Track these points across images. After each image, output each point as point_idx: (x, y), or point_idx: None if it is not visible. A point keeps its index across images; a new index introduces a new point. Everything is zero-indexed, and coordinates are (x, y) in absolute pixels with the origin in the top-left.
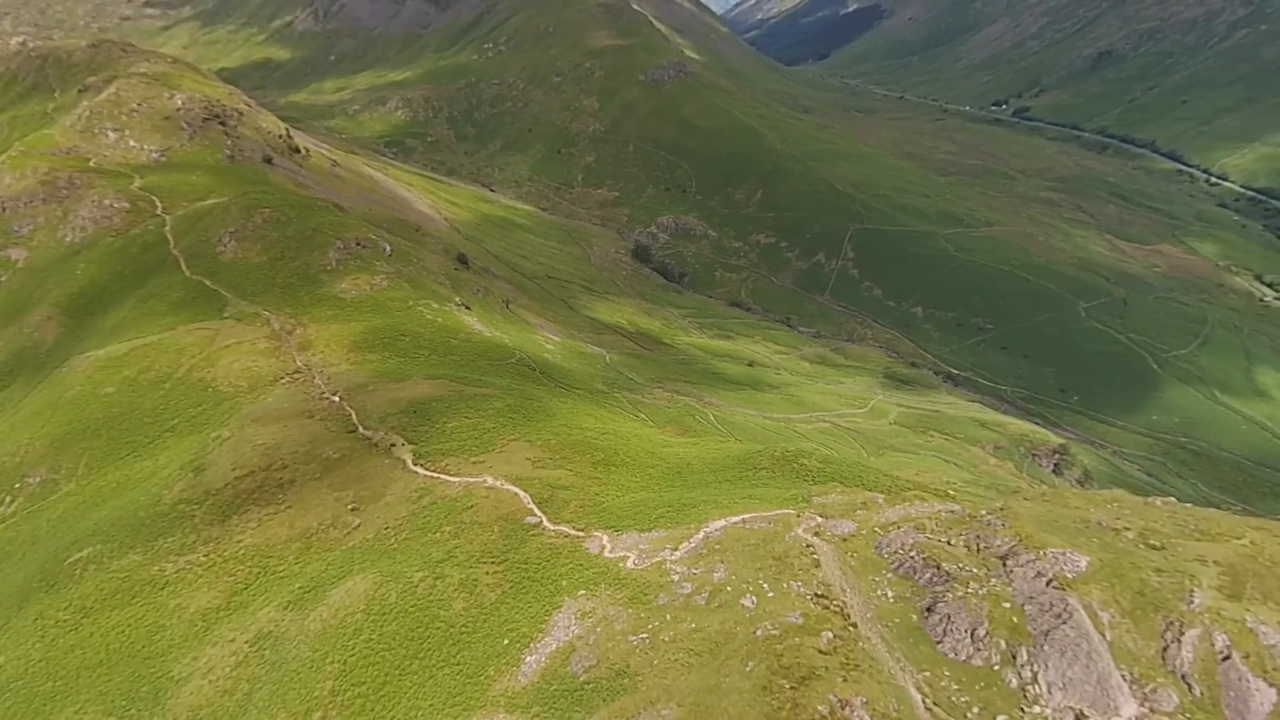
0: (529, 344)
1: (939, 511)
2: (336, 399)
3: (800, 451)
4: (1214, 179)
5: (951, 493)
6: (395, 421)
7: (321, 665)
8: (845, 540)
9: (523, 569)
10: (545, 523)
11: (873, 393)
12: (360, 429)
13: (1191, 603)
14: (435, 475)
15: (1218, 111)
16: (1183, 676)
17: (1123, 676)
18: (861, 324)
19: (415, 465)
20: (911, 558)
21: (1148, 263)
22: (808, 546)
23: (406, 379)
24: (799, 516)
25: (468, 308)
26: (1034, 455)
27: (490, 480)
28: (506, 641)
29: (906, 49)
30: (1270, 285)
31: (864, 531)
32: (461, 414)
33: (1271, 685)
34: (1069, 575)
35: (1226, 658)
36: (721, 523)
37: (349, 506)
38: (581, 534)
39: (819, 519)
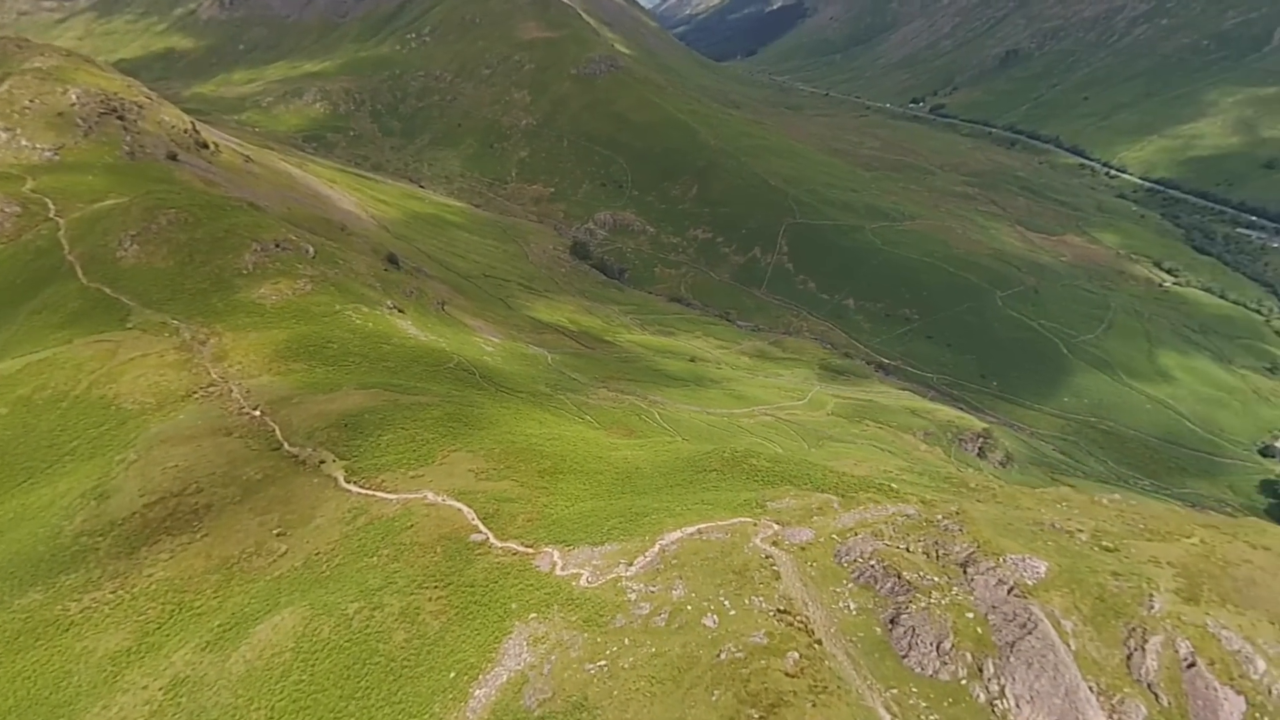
0: (467, 347)
1: (894, 515)
2: (257, 414)
3: (749, 451)
4: (1114, 171)
5: (895, 486)
6: (324, 436)
7: (246, 712)
8: (804, 549)
9: (469, 593)
10: (492, 540)
11: (810, 384)
12: (285, 446)
13: (1152, 608)
14: (370, 493)
15: (1117, 107)
16: (1149, 686)
17: (1090, 688)
18: (797, 317)
19: (348, 483)
20: (872, 566)
21: (1055, 252)
22: (767, 558)
23: (335, 390)
24: (756, 525)
25: (400, 311)
26: (960, 440)
27: (431, 496)
28: (453, 674)
29: (829, 47)
30: (1168, 271)
31: (822, 539)
32: (397, 425)
33: (1239, 693)
34: (1029, 582)
35: (1191, 665)
36: (677, 534)
37: (274, 532)
38: (531, 550)
39: (776, 526)
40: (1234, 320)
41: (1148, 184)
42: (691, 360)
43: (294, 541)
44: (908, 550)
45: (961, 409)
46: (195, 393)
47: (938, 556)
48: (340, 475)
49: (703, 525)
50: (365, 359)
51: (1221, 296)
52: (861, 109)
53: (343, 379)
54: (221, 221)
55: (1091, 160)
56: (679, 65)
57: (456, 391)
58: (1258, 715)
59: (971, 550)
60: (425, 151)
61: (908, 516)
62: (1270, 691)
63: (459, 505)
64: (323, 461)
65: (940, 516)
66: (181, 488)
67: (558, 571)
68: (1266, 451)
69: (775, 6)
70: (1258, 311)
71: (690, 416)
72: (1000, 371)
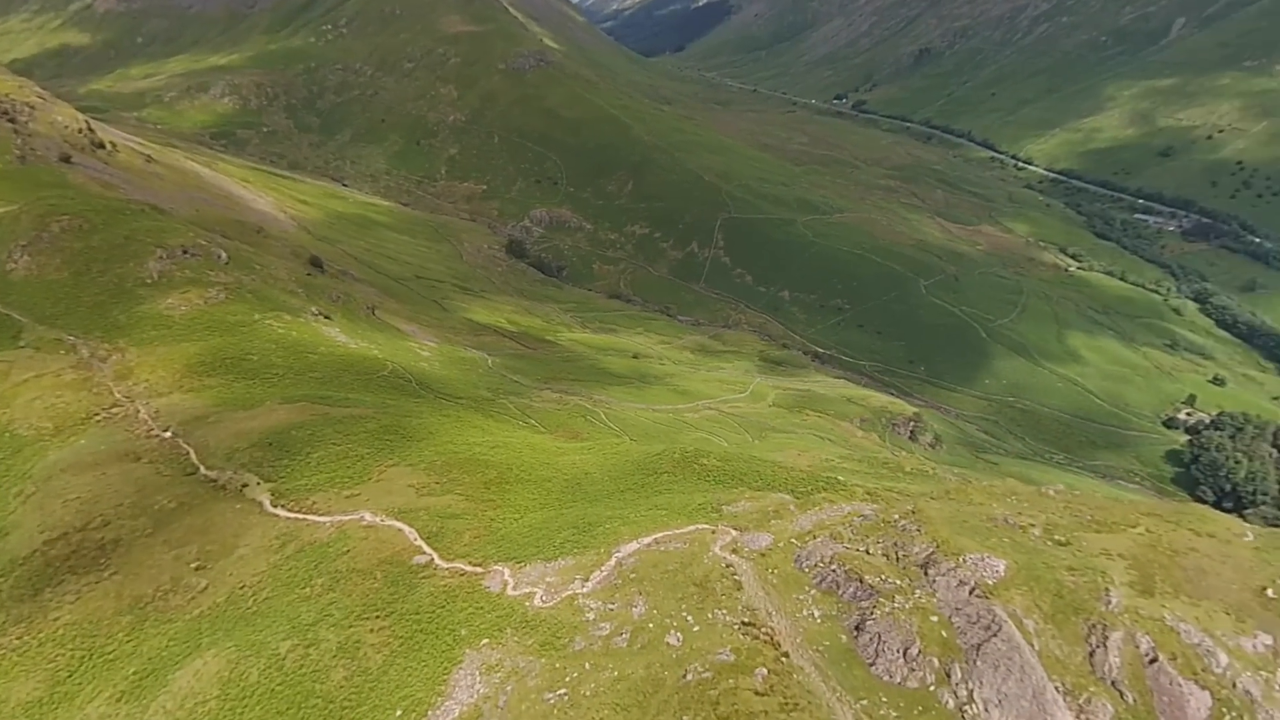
0: (401, 353)
1: (850, 515)
2: (168, 435)
3: (699, 451)
4: (1021, 164)
5: (841, 478)
6: (246, 457)
7: None
8: (764, 555)
9: (414, 621)
10: (437, 560)
11: (751, 376)
12: (202, 470)
13: (1109, 602)
14: (300, 517)
15: (1022, 102)
16: (1113, 683)
17: (1057, 688)
18: (736, 310)
19: (275, 507)
20: (833, 571)
21: (971, 242)
22: (728, 567)
23: (257, 405)
24: (714, 532)
25: (327, 317)
26: (893, 425)
27: (368, 516)
28: (399, 713)
29: (755, 44)
30: (1073, 257)
31: (781, 544)
32: (328, 441)
33: (1204, 688)
34: (990, 581)
35: (1153, 660)
36: (634, 545)
37: (191, 566)
38: (480, 570)
39: (734, 533)
40: (1134, 301)
41: (1052, 175)
42: (634, 357)
43: (215, 575)
44: (868, 553)
45: (893, 394)
46: (97, 415)
47: (898, 558)
48: (266, 499)
49: (659, 534)
50: (289, 371)
51: (1122, 279)
52: (788, 105)
53: (265, 393)
54: (121, 227)
55: (1001, 153)
56: (609, 61)
57: (392, 401)
58: (1224, 710)
59: (931, 550)
60: (347, 148)
61: (865, 517)
62: (1235, 685)
63: (399, 525)
64: (245, 485)
65: (897, 516)
66: (85, 521)
67: (509, 591)
68: (1169, 423)
69: (701, 3)
70: (1156, 292)
71: (636, 415)
72: (926, 356)
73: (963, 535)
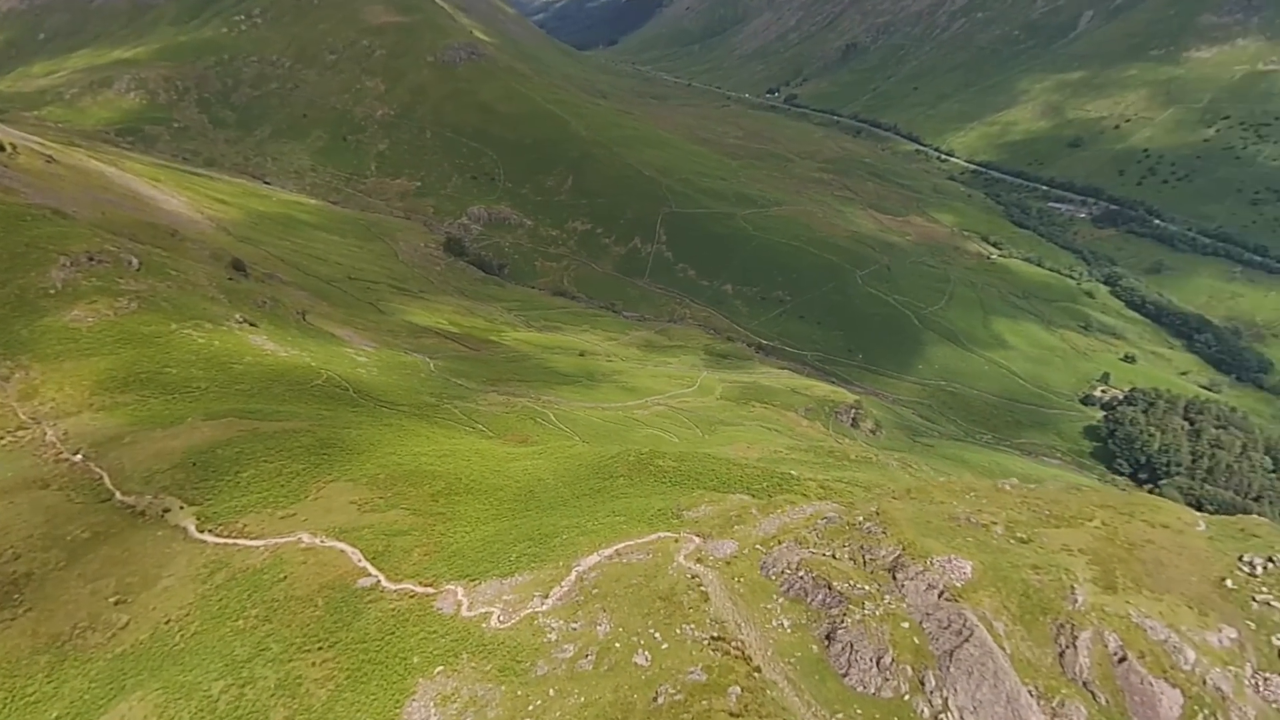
0: (336, 360)
1: (814, 518)
2: (79, 459)
3: (654, 453)
4: (944, 156)
5: (794, 472)
6: (167, 479)
7: None
8: (729, 563)
9: (360, 650)
10: (384, 582)
11: (698, 371)
12: (118, 495)
13: (1076, 601)
14: (230, 542)
15: (942, 96)
16: (1085, 684)
17: (1030, 693)
18: (680, 304)
19: (201, 533)
20: (800, 578)
21: (901, 232)
22: (693, 577)
23: (178, 423)
24: (677, 540)
25: (253, 325)
26: (836, 413)
27: (306, 538)
28: None
29: (688, 37)
30: (994, 245)
31: (746, 550)
32: (259, 458)
33: (1174, 686)
34: (958, 584)
35: (1123, 659)
36: (594, 558)
37: (110, 600)
38: (431, 590)
39: (697, 540)
40: (1051, 286)
41: (973, 166)
42: (581, 355)
43: (137, 610)
44: (834, 557)
45: (834, 383)
46: (1, 439)
47: (865, 562)
48: (191, 524)
49: (620, 545)
50: (213, 384)
51: (1039, 265)
52: (723, 99)
53: (186, 409)
54: (20, 234)
55: (925, 146)
56: (542, 54)
57: (328, 412)
58: (1196, 708)
59: (898, 553)
60: (267, 144)
61: (828, 519)
62: (1205, 682)
63: (341, 546)
64: (167, 510)
65: (861, 518)
66: None
67: (464, 612)
68: (1087, 400)
69: None
70: (1070, 276)
71: (585, 414)
72: (864, 345)
73: (928, 536)
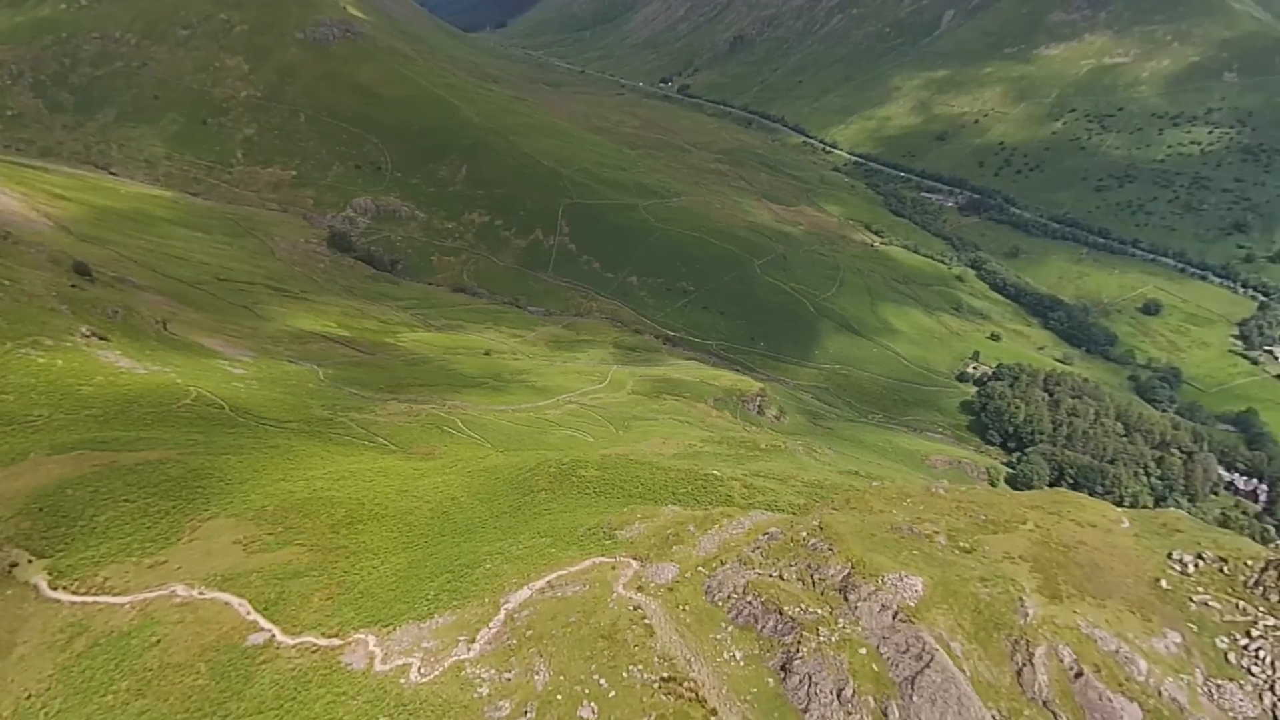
0: (207, 374)
1: (754, 533)
2: None
3: (575, 461)
4: (828, 148)
5: (716, 473)
6: (11, 529)
7: None
8: (672, 589)
9: None
10: (279, 637)
11: (608, 366)
12: None
13: (1026, 614)
14: (90, 600)
15: (823, 90)
16: (1045, 704)
17: (993, 717)
18: (586, 297)
19: (55, 590)
20: (749, 603)
21: (794, 222)
22: (635, 609)
23: (19, 460)
24: (614, 567)
25: (102, 338)
26: (743, 402)
27: (181, 590)
28: None
29: (579, 23)
30: (876, 233)
31: (688, 573)
32: (118, 497)
33: (1132, 699)
34: (911, 603)
35: (1079, 674)
36: (524, 592)
37: None
38: (337, 641)
39: (635, 564)
40: (926, 271)
41: (855, 158)
42: (486, 354)
43: None
44: (781, 578)
45: (739, 371)
46: None
47: (814, 582)
48: (42, 580)
49: (552, 575)
50: (58, 411)
51: (915, 251)
52: (617, 87)
53: (26, 444)
54: None
55: (811, 138)
56: (426, 34)
57: (200, 436)
58: None
59: (847, 571)
60: (111, 130)
61: (771, 536)
62: (1160, 694)
63: (225, 596)
64: (14, 565)
65: (805, 533)
66: None
67: (377, 666)
68: (961, 377)
69: None
70: (942, 262)
71: (496, 419)
72: (765, 333)
73: (875, 551)
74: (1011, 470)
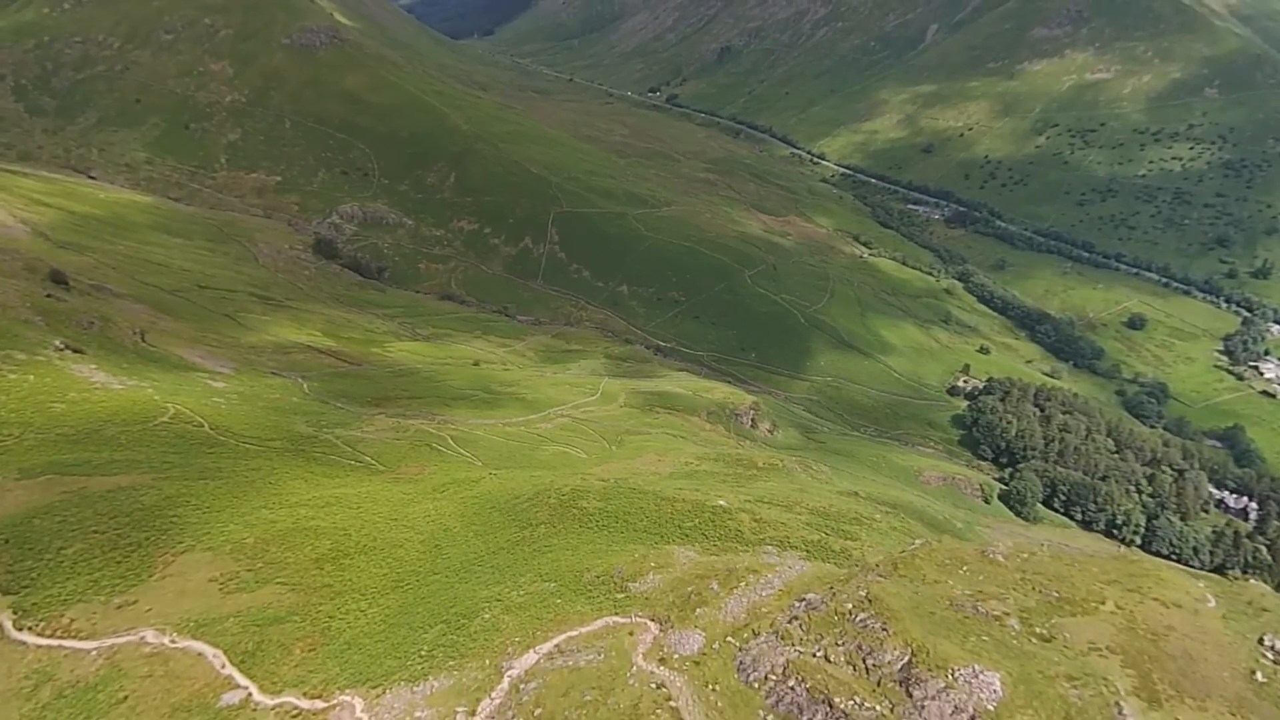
0: (186, 389)
1: (787, 598)
2: None
3: (575, 491)
4: (816, 159)
5: (721, 502)
6: None
7: None
8: (698, 663)
9: None
10: (256, 696)
11: (599, 377)
12: None
13: None
14: (56, 643)
15: (811, 101)
16: None
17: None
18: (576, 306)
19: (20, 630)
20: (791, 689)
21: (783, 233)
22: (659, 688)
23: None
24: (631, 631)
25: (78, 351)
26: (736, 415)
27: (152, 636)
28: None
29: (566, 32)
30: (865, 244)
31: (716, 644)
32: (88, 527)
33: None
34: (990, 706)
35: None
36: (530, 656)
37: None
38: (320, 704)
39: (654, 629)
40: (914, 283)
41: (842, 169)
42: (475, 365)
43: None
44: (827, 659)
45: (731, 383)
46: None
47: (867, 669)
48: (7, 620)
49: (560, 638)
50: (27, 431)
51: (904, 263)
52: (605, 96)
53: None
54: None
55: (799, 149)
56: (414, 41)
57: (177, 458)
58: None
59: (906, 658)
60: (92, 134)
61: (810, 604)
62: None
63: (198, 646)
64: None
65: (850, 606)
66: None
67: None
68: (952, 391)
69: None
70: (930, 274)
71: (486, 434)
72: (756, 344)
73: (937, 634)
74: (1005, 487)
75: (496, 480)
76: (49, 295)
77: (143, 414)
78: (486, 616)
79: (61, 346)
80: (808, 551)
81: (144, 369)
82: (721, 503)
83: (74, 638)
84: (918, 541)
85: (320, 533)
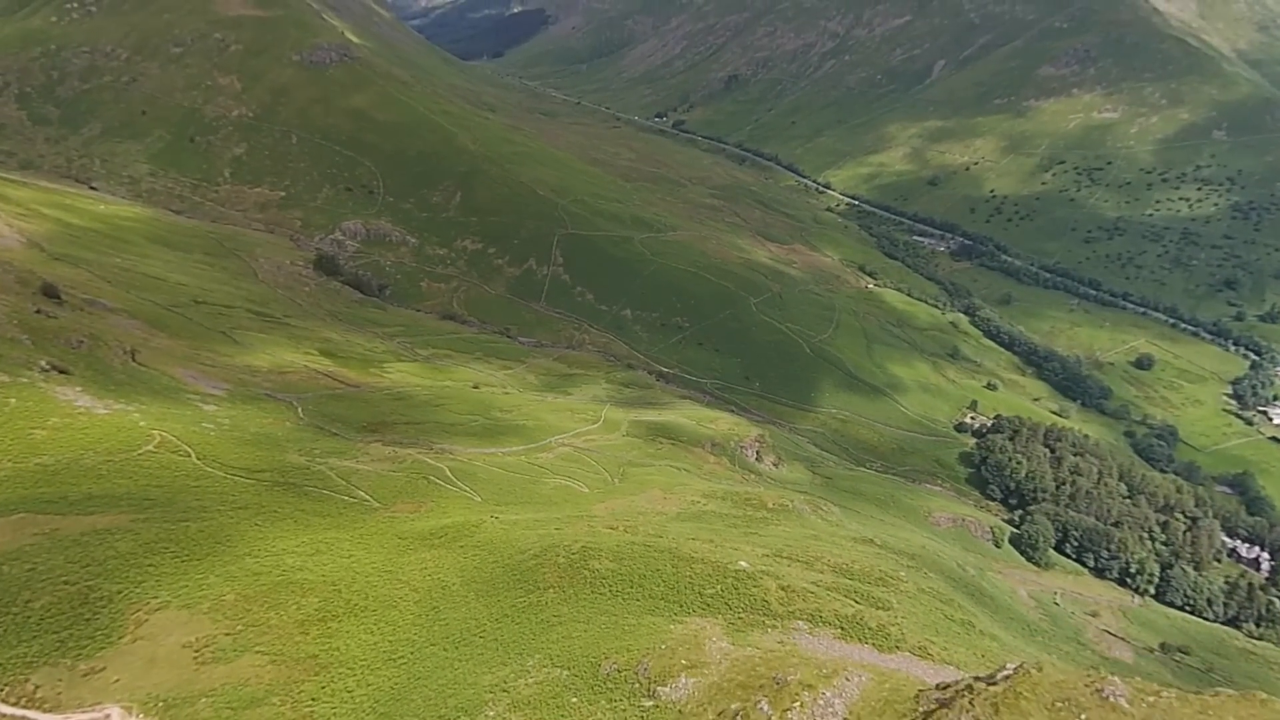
0: (175, 413)
1: None
2: None
3: (586, 549)
4: (821, 188)
5: (744, 564)
6: None
7: None
8: None
9: None
10: None
11: (600, 403)
12: None
13: None
14: (20, 714)
15: (817, 131)
16: None
17: None
18: (579, 330)
19: None
20: None
21: (788, 261)
22: None
23: None
24: None
25: (64, 371)
26: (741, 448)
27: (117, 717)
28: None
29: (575, 56)
30: (871, 275)
31: None
32: (59, 577)
33: None
34: None
35: None
36: None
37: None
38: None
39: None
40: (921, 316)
41: (848, 198)
42: (475, 388)
43: None
44: None
45: (734, 412)
46: None
47: None
48: None
49: None
50: (4, 460)
51: (909, 295)
52: (612, 120)
53: None
54: None
55: (804, 178)
56: (423, 61)
57: (159, 493)
58: None
59: None
60: (95, 144)
61: None
62: None
63: None
64: None
65: None
66: None
67: None
68: (960, 427)
69: (516, 10)
70: (936, 306)
71: (485, 465)
72: (761, 373)
73: None
74: (1016, 530)
75: (498, 527)
76: (38, 311)
77: (126, 442)
78: (491, 714)
79: (47, 367)
80: (843, 629)
81: (132, 391)
82: (743, 564)
83: (38, 708)
84: (1010, 666)
85: (307, 587)
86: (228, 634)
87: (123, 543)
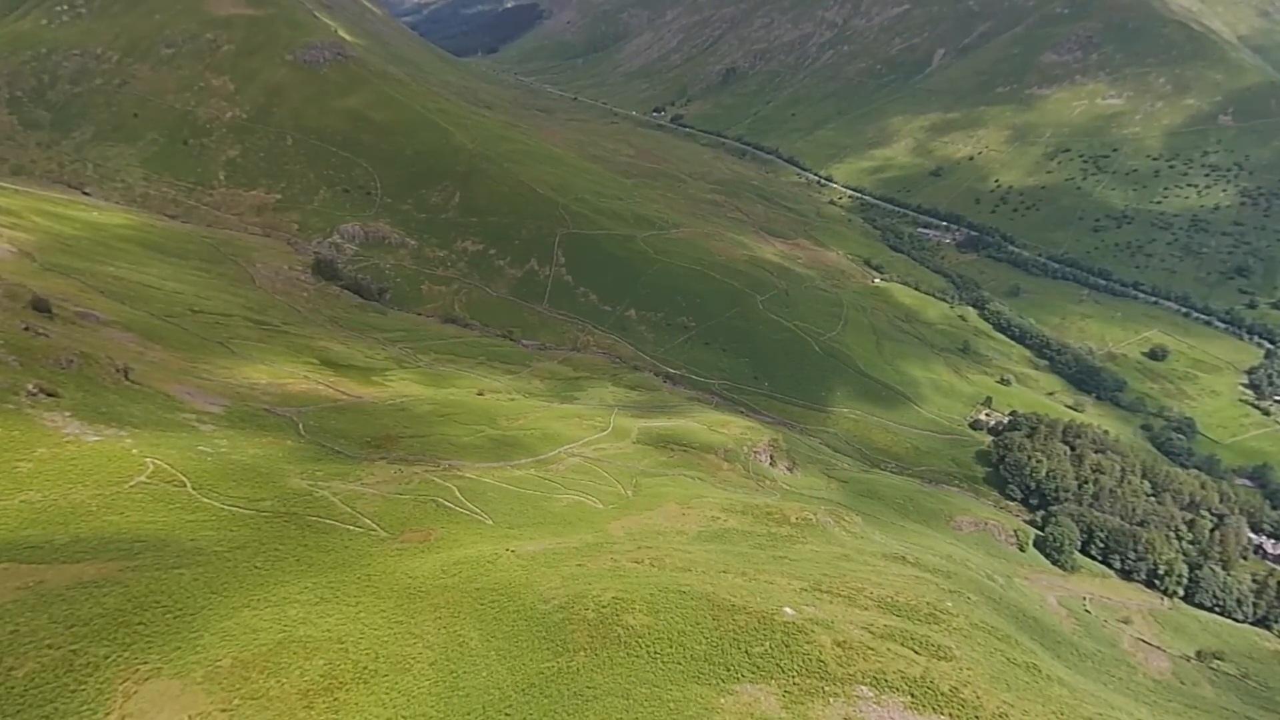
0: (170, 436)
1: None
2: None
3: (616, 602)
4: (823, 181)
5: (789, 610)
6: None
7: None
8: None
9: None
10: None
11: (608, 408)
12: None
13: None
14: None
15: (818, 123)
16: None
17: None
18: (583, 331)
19: None
20: None
21: (793, 256)
22: None
23: None
24: None
25: (52, 394)
26: (755, 453)
27: None
28: None
29: (570, 51)
30: (877, 269)
31: None
32: (42, 641)
33: None
34: None
35: None
36: None
37: None
38: None
39: None
40: (929, 311)
41: (850, 191)
42: (480, 394)
43: None
44: None
45: (744, 414)
46: None
47: None
48: None
49: None
50: None
51: (916, 289)
52: (610, 115)
53: None
54: None
55: (806, 171)
56: (418, 59)
57: (152, 531)
58: None
59: None
60: (88, 149)
61: None
62: None
63: None
64: None
65: None
66: None
67: None
68: (975, 425)
69: (510, 5)
70: (944, 300)
71: (495, 483)
72: (769, 372)
73: None
74: (1040, 533)
75: (515, 563)
76: (26, 328)
77: (118, 473)
78: None
79: (35, 390)
80: (913, 696)
81: (125, 412)
82: (788, 611)
83: None
84: None
85: (311, 647)
86: (223, 709)
87: (111, 598)
